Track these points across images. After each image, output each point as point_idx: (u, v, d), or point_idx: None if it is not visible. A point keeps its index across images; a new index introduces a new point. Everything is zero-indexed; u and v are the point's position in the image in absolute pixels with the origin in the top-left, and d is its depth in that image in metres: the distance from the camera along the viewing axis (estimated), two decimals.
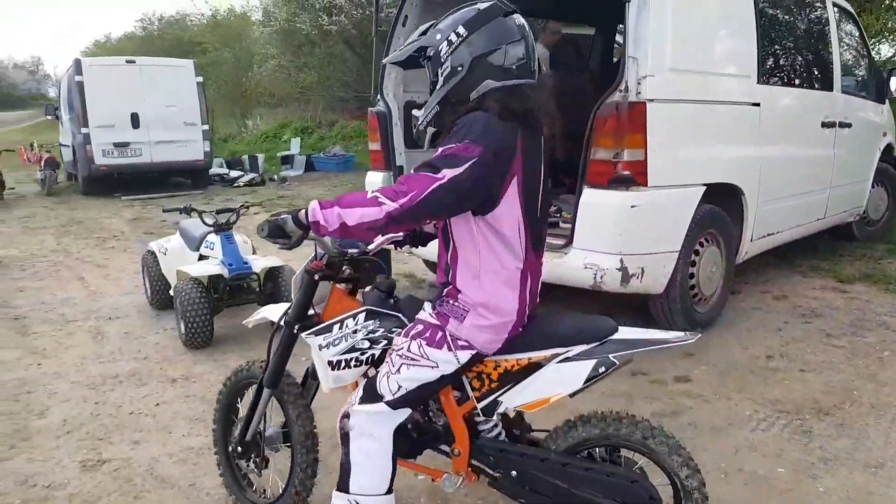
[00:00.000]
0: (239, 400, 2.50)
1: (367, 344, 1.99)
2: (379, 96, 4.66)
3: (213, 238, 4.37)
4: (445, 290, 1.86)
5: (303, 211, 1.76)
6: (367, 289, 2.13)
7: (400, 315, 2.03)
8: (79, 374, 3.82)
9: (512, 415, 2.05)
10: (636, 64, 3.41)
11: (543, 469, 1.89)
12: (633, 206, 3.45)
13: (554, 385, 1.82)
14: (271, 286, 4.36)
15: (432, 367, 1.83)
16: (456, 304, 1.82)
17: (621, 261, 3.50)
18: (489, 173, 1.68)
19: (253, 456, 2.36)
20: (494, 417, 1.96)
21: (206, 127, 12.01)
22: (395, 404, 1.89)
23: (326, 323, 2.01)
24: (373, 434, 1.90)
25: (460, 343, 1.82)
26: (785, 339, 4.07)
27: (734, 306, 4.57)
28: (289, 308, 2.13)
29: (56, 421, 3.27)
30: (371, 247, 2.18)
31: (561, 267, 3.66)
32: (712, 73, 3.93)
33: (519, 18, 1.82)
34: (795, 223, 5.00)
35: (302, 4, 16.35)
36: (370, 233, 1.74)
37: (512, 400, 1.88)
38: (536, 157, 1.82)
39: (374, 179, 4.70)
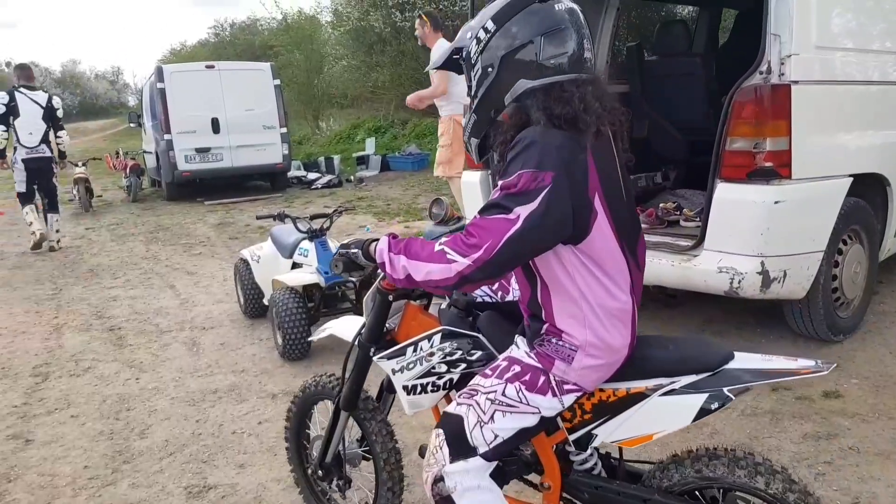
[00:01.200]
0: (308, 417, 2.39)
1: (444, 367, 1.79)
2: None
3: (307, 245, 4.20)
4: (545, 328, 1.59)
5: (373, 245, 1.64)
6: (443, 305, 1.93)
7: (480, 336, 1.80)
8: (178, 389, 3.71)
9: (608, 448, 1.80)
10: (779, 42, 3.01)
11: None
12: (776, 202, 3.05)
13: (657, 421, 1.57)
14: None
15: (533, 413, 1.59)
16: (560, 343, 1.56)
17: (762, 263, 3.10)
18: (571, 196, 1.42)
19: (335, 478, 2.23)
20: (588, 450, 1.74)
21: (284, 130, 12.04)
22: (491, 456, 1.63)
23: (400, 346, 1.83)
24: (479, 485, 1.64)
25: (566, 387, 1.58)
26: None
27: (875, 310, 4.08)
28: (362, 328, 1.96)
29: (158, 441, 3.15)
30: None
31: (690, 271, 3.29)
32: (859, 50, 3.47)
33: (565, 2, 1.52)
34: None
35: (374, 2, 16.25)
36: (440, 290, 1.55)
37: (608, 434, 1.63)
38: (610, 163, 1.55)
39: (472, 179, 4.43)
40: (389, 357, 1.84)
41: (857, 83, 3.43)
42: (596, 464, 1.78)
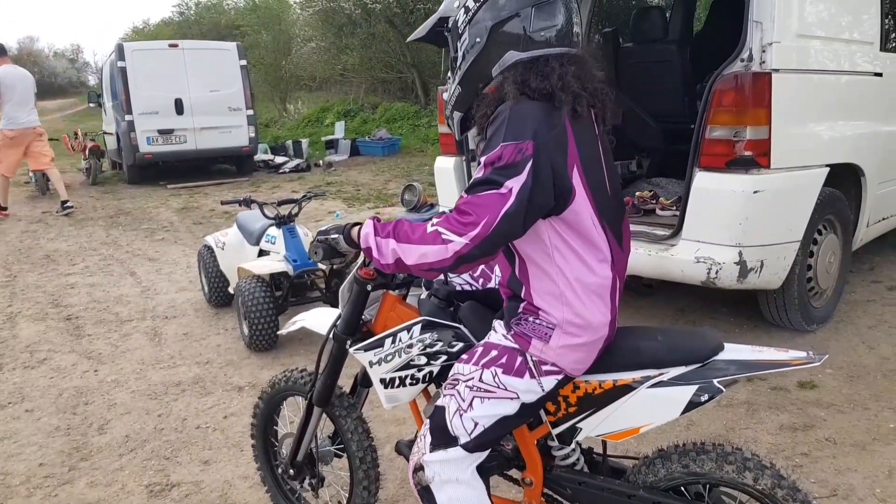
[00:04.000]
0: (277, 413, 2.30)
1: (423, 360, 1.72)
2: (449, 74, 4.25)
3: (275, 231, 4.05)
4: (522, 307, 1.53)
5: (355, 229, 1.59)
6: (423, 295, 1.86)
7: (461, 327, 1.73)
8: (139, 381, 3.55)
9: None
10: (760, 29, 2.96)
11: None
12: (755, 192, 3.01)
13: (644, 414, 1.51)
14: (337, 283, 4.03)
15: (511, 399, 1.52)
16: (538, 322, 1.50)
17: (740, 253, 3.07)
18: (550, 166, 1.39)
19: (307, 477, 2.15)
20: (572, 444, 1.68)
21: (251, 112, 11.73)
22: (472, 446, 1.57)
23: (378, 337, 1.76)
24: (458, 478, 1.58)
25: (545, 368, 1.51)
26: None
27: (846, 300, 4.11)
28: (337, 319, 1.87)
29: (118, 437, 3.00)
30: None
31: (667, 261, 3.25)
32: (836, 39, 3.44)
33: None
34: None
35: None
36: (433, 273, 1.49)
37: (593, 427, 1.57)
38: (591, 143, 1.52)
39: (445, 165, 4.32)
40: (366, 349, 1.77)
41: (834, 73, 3.41)
42: (578, 459, 1.72)
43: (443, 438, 1.59)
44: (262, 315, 3.67)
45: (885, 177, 3.93)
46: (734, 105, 2.99)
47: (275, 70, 20.83)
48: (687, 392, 1.46)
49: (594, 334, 1.49)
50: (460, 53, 1.55)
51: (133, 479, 2.68)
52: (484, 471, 1.68)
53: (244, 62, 11.72)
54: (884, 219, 4.22)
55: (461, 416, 1.56)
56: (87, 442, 2.97)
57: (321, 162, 12.71)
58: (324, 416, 2.08)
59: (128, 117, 10.74)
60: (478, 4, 1.49)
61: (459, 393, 1.57)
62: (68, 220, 8.37)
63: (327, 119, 17.77)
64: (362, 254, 1.61)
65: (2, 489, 2.66)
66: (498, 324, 1.60)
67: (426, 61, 15.80)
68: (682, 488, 1.60)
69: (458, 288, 1.88)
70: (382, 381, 1.77)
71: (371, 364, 1.77)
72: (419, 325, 1.73)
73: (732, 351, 1.50)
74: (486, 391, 1.53)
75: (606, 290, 1.49)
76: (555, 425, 1.63)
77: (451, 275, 1.90)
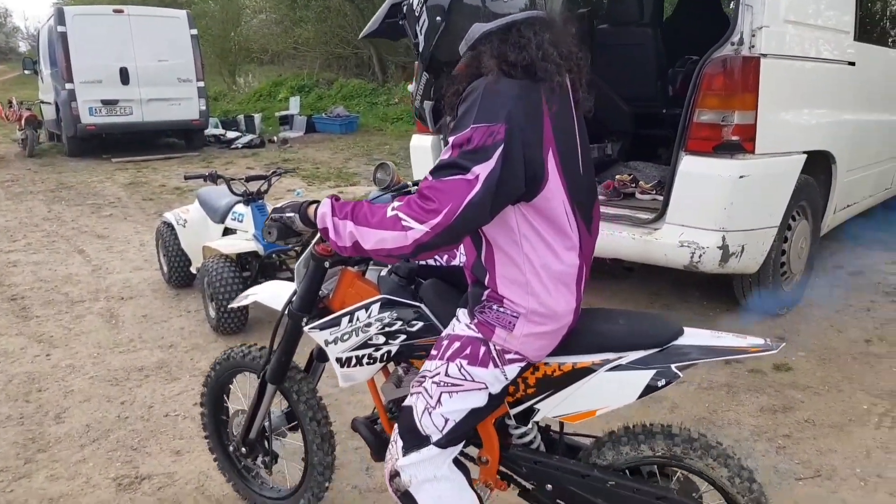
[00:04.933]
0: (226, 390, 2.26)
1: (382, 339, 1.67)
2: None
3: (243, 209, 3.86)
4: (486, 294, 1.46)
5: (312, 208, 1.50)
6: (383, 272, 1.78)
7: (421, 305, 1.66)
8: (97, 366, 3.34)
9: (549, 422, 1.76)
10: (751, 12, 2.93)
11: (584, 486, 1.60)
12: (741, 177, 3.01)
13: (602, 397, 1.51)
14: None
15: (480, 389, 1.48)
16: (502, 310, 1.44)
17: (723, 238, 3.07)
18: (525, 148, 1.31)
19: (260, 454, 2.13)
20: (529, 424, 1.67)
21: (201, 84, 11.27)
22: (445, 442, 1.52)
23: (334, 315, 1.71)
24: (435, 475, 1.54)
25: (508, 357, 1.47)
26: (878, 320, 3.73)
27: (811, 284, 4.19)
28: (293, 295, 1.81)
29: (77, 426, 2.81)
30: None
31: (650, 244, 3.23)
32: (816, 27, 3.46)
33: None
34: (869, 193, 4.64)
35: None
36: (392, 259, 1.45)
37: (551, 409, 1.57)
38: (568, 118, 1.44)
39: (421, 144, 4.20)
40: (322, 328, 1.71)
41: (814, 60, 3.43)
42: (535, 437, 1.71)
43: (414, 440, 1.54)
44: (229, 296, 3.50)
45: (852, 164, 4.00)
46: (723, 89, 2.97)
47: (223, 41, 20.11)
48: (644, 376, 1.46)
49: (558, 322, 1.45)
50: (421, 38, 1.45)
51: (98, 471, 2.51)
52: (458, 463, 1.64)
53: (195, 31, 11.25)
54: (849, 206, 4.32)
55: (430, 413, 1.51)
56: (43, 432, 2.77)
57: (276, 138, 12.36)
58: (277, 392, 2.02)
59: (68, 86, 10.17)
60: None
61: (427, 390, 1.52)
62: (5, 194, 7.88)
63: (280, 94, 17.29)
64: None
65: None
66: (461, 312, 1.54)
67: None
68: (638, 468, 1.62)
69: (422, 263, 1.81)
70: (339, 360, 1.72)
71: (327, 343, 1.72)
72: (378, 304, 1.67)
73: (692, 336, 1.50)
74: (454, 385, 1.48)
75: (573, 277, 1.44)
76: (513, 406, 1.61)
77: None
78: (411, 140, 4.32)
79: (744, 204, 3.07)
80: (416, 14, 1.44)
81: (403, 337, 1.66)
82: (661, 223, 3.22)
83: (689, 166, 3.09)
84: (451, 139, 1.31)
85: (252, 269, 3.81)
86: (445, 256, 1.83)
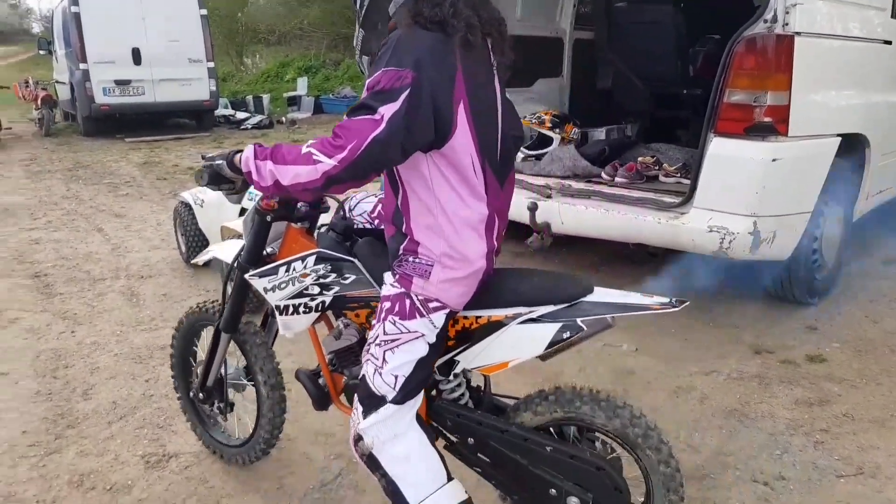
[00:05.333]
0: (196, 342, 2.40)
1: (316, 290, 1.79)
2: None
3: None
4: (402, 247, 1.57)
5: (238, 155, 1.58)
6: (323, 229, 1.92)
7: (355, 261, 1.78)
8: (120, 344, 3.35)
9: (470, 376, 1.85)
10: None
11: (502, 441, 1.70)
12: (773, 160, 2.94)
13: (513, 349, 1.61)
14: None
15: (417, 338, 1.58)
16: (417, 260, 1.55)
17: (755, 224, 3.00)
18: (430, 98, 1.40)
19: (216, 401, 2.29)
20: (455, 378, 1.76)
21: (211, 64, 11.24)
22: (401, 398, 1.62)
23: (273, 265, 1.82)
24: (396, 433, 1.63)
25: (431, 305, 1.56)
26: None
27: (843, 272, 4.10)
28: (241, 250, 1.95)
29: (104, 403, 2.82)
30: None
31: (677, 229, 3.17)
32: (852, 3, 3.37)
33: None
34: None
35: None
36: (308, 194, 1.51)
37: (469, 361, 1.67)
38: (484, 77, 1.55)
39: None
40: (262, 275, 1.83)
41: (849, 38, 3.34)
42: (464, 394, 1.80)
43: (371, 402, 1.62)
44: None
45: (886, 149, 3.92)
46: (756, 69, 2.90)
47: (230, 22, 20.01)
48: (551, 329, 1.54)
49: (470, 267, 1.54)
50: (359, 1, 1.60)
51: (126, 448, 2.52)
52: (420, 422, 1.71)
53: (204, 11, 11.19)
54: (881, 191, 4.23)
55: (380, 374, 1.60)
56: (71, 408, 2.78)
57: (284, 119, 12.32)
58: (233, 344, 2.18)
59: (82, 66, 10.16)
60: None
61: (373, 354, 1.62)
62: (24, 173, 7.89)
63: (287, 75, 17.21)
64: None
65: None
66: (387, 275, 1.63)
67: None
68: (557, 429, 1.71)
69: (358, 226, 1.93)
70: (277, 307, 1.84)
71: (266, 290, 1.83)
72: (314, 257, 1.77)
73: (601, 294, 1.58)
74: (392, 341, 1.58)
75: (482, 224, 1.53)
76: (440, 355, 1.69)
77: (350, 212, 1.98)
78: None
79: (776, 188, 3.00)
80: None
81: (337, 289, 1.77)
82: (688, 207, 3.16)
83: (719, 148, 3.02)
84: (367, 82, 1.43)
85: None
86: (377, 221, 1.92)
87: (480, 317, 1.61)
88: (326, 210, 1.99)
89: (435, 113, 1.41)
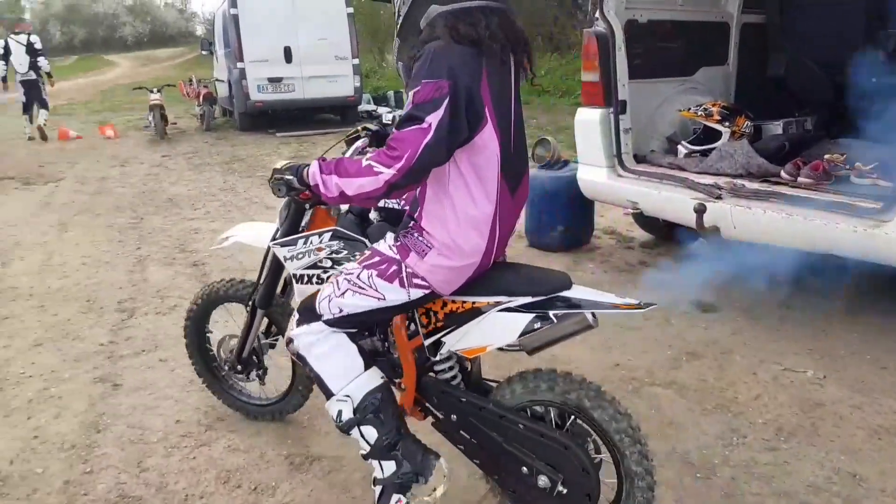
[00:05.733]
0: (208, 322, 2.69)
1: (329, 263, 1.98)
2: (598, 14, 3.79)
3: None
4: (412, 224, 1.74)
5: (306, 169, 1.73)
6: (343, 211, 2.11)
7: (366, 241, 1.95)
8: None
9: (467, 364, 2.00)
10: None
11: (480, 418, 1.84)
12: None
13: (490, 334, 1.75)
14: None
15: (378, 299, 1.76)
16: (420, 238, 1.71)
17: None
18: (464, 103, 1.57)
19: (255, 370, 2.58)
20: (448, 360, 1.92)
21: (356, 61, 11.54)
22: (333, 323, 1.84)
23: (293, 237, 2.02)
24: (318, 338, 1.85)
25: (416, 281, 1.72)
26: None
27: None
28: (276, 232, 2.12)
29: None
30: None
31: (877, 239, 2.73)
32: None
33: None
34: None
35: None
36: (372, 201, 1.78)
37: (454, 343, 1.81)
38: (505, 87, 1.72)
39: (589, 118, 3.88)
40: (283, 245, 2.04)
41: None
42: (456, 375, 1.94)
43: (308, 316, 1.86)
44: None
45: None
46: None
47: (372, 19, 20.53)
48: (525, 318, 1.67)
49: (464, 260, 1.68)
50: (396, 10, 1.74)
51: (272, 447, 2.52)
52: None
53: (350, 9, 11.48)
54: None
55: (330, 300, 1.81)
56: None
57: None
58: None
59: (240, 65, 10.77)
60: None
61: (338, 282, 1.80)
62: (187, 165, 8.49)
63: None
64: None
65: (140, 445, 2.55)
66: (389, 235, 1.79)
67: (533, 9, 15.06)
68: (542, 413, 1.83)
69: (388, 205, 2.04)
70: (295, 276, 2.04)
71: (286, 259, 2.04)
72: (329, 233, 1.97)
73: (578, 291, 1.69)
74: (360, 288, 1.76)
75: (486, 224, 1.67)
76: (427, 336, 1.86)
77: None
78: (577, 114, 4.01)
79: None
80: None
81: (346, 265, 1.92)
82: (891, 214, 2.71)
83: None
84: (409, 94, 1.58)
85: None
86: (402, 201, 2.05)
87: (466, 302, 1.76)
88: None
89: (469, 108, 1.58)
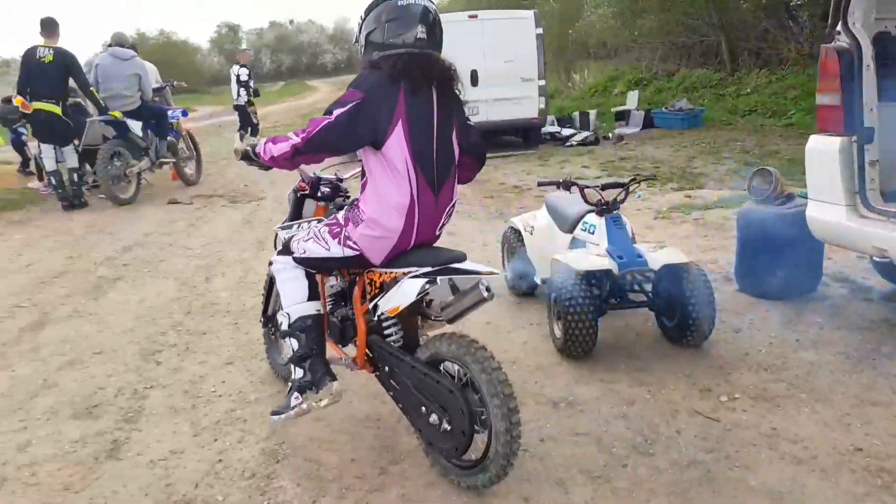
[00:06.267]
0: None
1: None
2: (839, 26, 3.25)
3: (595, 220, 3.51)
4: (356, 201, 2.41)
5: (257, 147, 2.48)
6: (332, 206, 2.90)
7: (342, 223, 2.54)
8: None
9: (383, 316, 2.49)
10: None
11: (401, 368, 2.41)
12: None
13: (401, 297, 2.29)
14: (668, 288, 3.35)
15: (325, 249, 2.45)
16: (357, 212, 2.35)
17: None
18: (372, 112, 2.22)
19: (275, 327, 3.20)
20: (395, 325, 2.54)
21: (542, 82, 11.36)
22: (298, 262, 2.58)
23: (292, 223, 2.91)
24: (285, 267, 2.63)
25: (349, 243, 2.38)
26: None
27: None
28: (286, 221, 2.97)
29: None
30: (345, 176, 3.06)
31: None
32: None
33: (416, 5, 2.29)
34: None
35: None
36: (286, 162, 2.38)
37: (383, 305, 2.38)
38: (424, 111, 2.30)
39: (826, 146, 3.33)
40: (283, 228, 2.91)
41: None
42: (398, 339, 2.54)
43: (283, 250, 2.68)
44: (580, 318, 3.16)
45: None
46: None
47: (559, 39, 20.32)
48: (419, 283, 2.24)
49: (384, 233, 2.30)
50: (360, 50, 2.46)
51: (442, 500, 2.36)
52: (343, 335, 2.74)
53: (540, 30, 11.30)
54: None
55: (300, 241, 2.56)
56: (396, 441, 2.75)
57: (611, 135, 11.95)
58: None
59: None
60: (360, 21, 2.41)
61: (308, 232, 2.58)
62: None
63: (616, 88, 16.83)
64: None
65: (316, 482, 2.52)
66: (346, 208, 2.54)
67: (737, 22, 13.97)
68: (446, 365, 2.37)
69: None
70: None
71: (284, 239, 2.76)
72: (317, 221, 2.76)
73: (467, 264, 2.28)
74: (316, 238, 2.49)
75: (403, 209, 2.26)
76: (370, 301, 2.50)
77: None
78: (809, 141, 3.47)
79: None
80: (356, 38, 2.48)
81: None
82: None
83: None
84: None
85: (602, 288, 3.42)
86: None
87: (389, 272, 2.38)
88: (345, 194, 2.94)
89: (374, 124, 2.22)
